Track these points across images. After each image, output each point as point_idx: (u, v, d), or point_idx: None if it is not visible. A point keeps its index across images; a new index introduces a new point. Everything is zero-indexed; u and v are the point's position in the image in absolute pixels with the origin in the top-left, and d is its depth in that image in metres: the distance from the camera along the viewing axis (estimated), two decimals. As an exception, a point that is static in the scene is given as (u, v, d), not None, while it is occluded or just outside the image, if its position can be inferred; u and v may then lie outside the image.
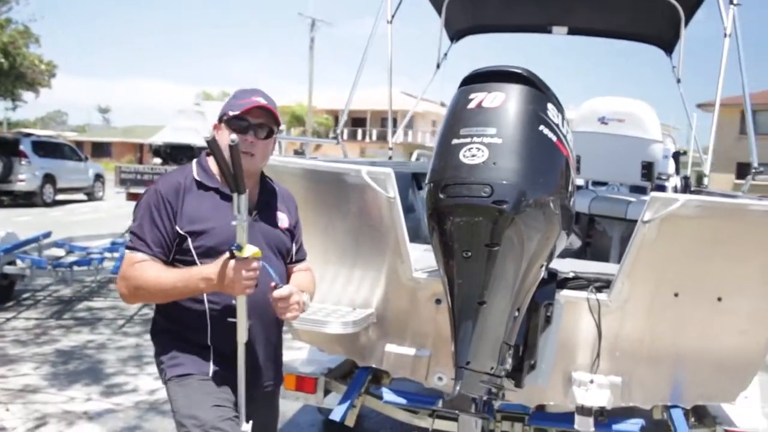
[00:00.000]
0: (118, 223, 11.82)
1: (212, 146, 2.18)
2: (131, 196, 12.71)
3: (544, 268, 2.69)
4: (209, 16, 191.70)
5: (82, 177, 22.97)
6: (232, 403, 2.40)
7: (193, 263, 2.36)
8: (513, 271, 2.46)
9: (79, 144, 32.42)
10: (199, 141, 15.59)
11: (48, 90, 27.33)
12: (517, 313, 2.57)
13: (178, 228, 2.36)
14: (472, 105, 2.54)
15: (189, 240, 2.37)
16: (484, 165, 2.41)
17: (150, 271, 2.32)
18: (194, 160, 2.54)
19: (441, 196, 2.45)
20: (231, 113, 2.44)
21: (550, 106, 2.58)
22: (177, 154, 15.85)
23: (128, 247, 2.39)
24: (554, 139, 2.54)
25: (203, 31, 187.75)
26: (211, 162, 2.49)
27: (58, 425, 4.64)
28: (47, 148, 21.49)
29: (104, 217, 17.26)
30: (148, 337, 6.65)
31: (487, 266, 2.40)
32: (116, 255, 7.80)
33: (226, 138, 2.29)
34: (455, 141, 2.50)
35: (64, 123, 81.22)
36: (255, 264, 2.23)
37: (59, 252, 8.35)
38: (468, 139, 2.47)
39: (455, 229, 2.45)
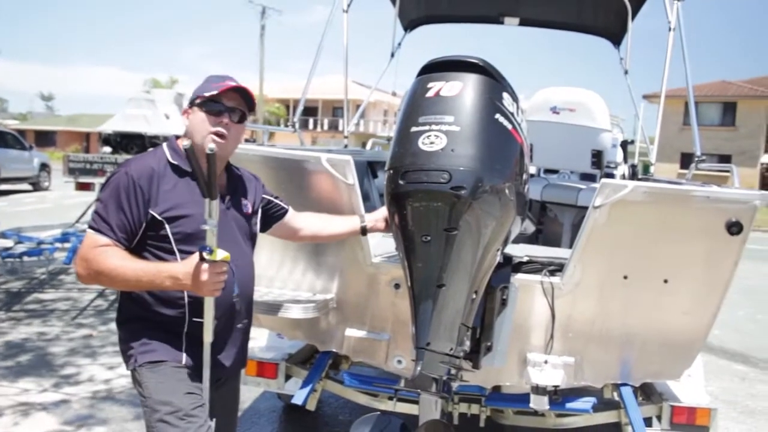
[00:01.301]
0: (66, 213, 11.61)
1: (190, 154, 2.20)
2: (80, 186, 12.35)
3: (500, 252, 2.76)
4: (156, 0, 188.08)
5: (27, 166, 22.27)
6: (201, 390, 2.41)
7: (170, 251, 2.35)
8: (470, 254, 2.53)
9: (22, 132, 31.43)
10: (150, 129, 15.33)
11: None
12: (474, 296, 2.64)
13: (154, 213, 2.31)
14: (430, 93, 2.59)
15: (167, 226, 2.34)
16: (443, 152, 2.46)
17: (113, 258, 2.26)
18: (164, 144, 2.50)
19: (400, 182, 2.51)
20: (206, 94, 2.43)
21: (505, 95, 2.65)
22: (127, 142, 15.51)
23: (91, 227, 2.32)
24: (509, 127, 2.62)
25: (150, 16, 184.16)
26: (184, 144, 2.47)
27: (13, 416, 4.58)
28: (-12, 137, 20.84)
29: (51, 207, 16.90)
30: (101, 328, 6.70)
31: (446, 250, 2.46)
32: (68, 245, 7.67)
33: (199, 120, 2.37)
34: (414, 129, 2.55)
35: (4, 110, 78.75)
36: (225, 267, 2.26)
37: (7, 243, 8.17)
38: (426, 127, 2.52)
39: (414, 214, 2.50)
